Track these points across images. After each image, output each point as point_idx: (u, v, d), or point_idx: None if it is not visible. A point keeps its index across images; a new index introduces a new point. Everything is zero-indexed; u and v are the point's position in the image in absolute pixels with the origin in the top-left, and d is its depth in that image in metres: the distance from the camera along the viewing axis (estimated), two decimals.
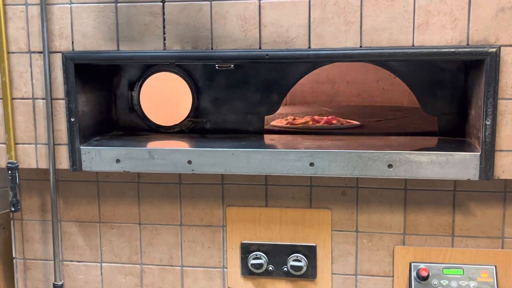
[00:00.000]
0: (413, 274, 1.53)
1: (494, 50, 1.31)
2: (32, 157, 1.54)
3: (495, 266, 1.50)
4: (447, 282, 1.51)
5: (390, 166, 1.38)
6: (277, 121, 1.86)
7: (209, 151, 1.44)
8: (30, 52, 1.49)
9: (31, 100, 1.52)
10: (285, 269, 1.59)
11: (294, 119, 1.87)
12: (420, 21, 1.34)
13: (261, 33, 1.40)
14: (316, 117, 1.87)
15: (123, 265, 1.68)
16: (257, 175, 1.57)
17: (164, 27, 1.44)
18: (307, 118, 1.85)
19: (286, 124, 1.81)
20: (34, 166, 1.54)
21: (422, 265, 1.52)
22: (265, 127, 1.70)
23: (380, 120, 1.97)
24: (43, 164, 1.54)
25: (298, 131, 1.74)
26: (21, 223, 1.71)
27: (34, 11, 1.47)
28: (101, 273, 1.70)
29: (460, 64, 1.54)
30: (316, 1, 1.37)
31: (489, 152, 1.34)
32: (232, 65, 1.49)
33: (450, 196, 1.51)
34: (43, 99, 1.51)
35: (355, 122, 1.84)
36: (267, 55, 1.40)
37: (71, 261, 1.71)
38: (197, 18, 1.42)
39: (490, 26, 1.31)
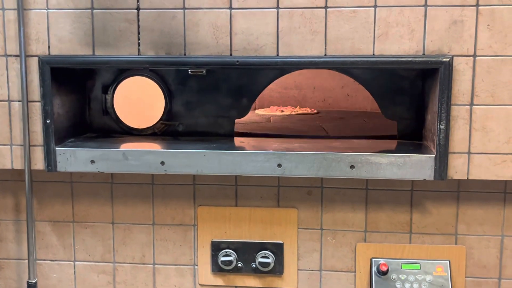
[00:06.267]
0: (374, 269, 1.62)
1: (448, 59, 1.41)
2: (7, 158, 1.58)
3: (449, 261, 1.61)
4: (405, 276, 1.61)
5: (352, 167, 1.46)
6: (265, 110, 2.46)
7: (181, 153, 1.51)
8: (6, 55, 1.53)
9: (7, 102, 1.56)
10: (254, 265, 1.66)
11: (282, 111, 2.43)
12: (380, 32, 1.43)
13: (232, 41, 1.47)
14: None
15: (96, 263, 1.73)
16: (228, 175, 1.64)
17: (138, 33, 1.50)
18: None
19: (276, 111, 2.41)
20: (9, 166, 1.58)
21: (382, 261, 1.62)
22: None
23: (364, 120, 2.09)
24: (18, 165, 1.57)
25: (267, 134, 1.82)
26: None
27: (11, 15, 1.51)
28: (74, 272, 1.74)
29: (418, 72, 1.64)
30: (284, 11, 1.45)
31: (443, 154, 1.44)
32: (204, 71, 1.56)
33: (408, 195, 1.62)
34: (19, 101, 1.55)
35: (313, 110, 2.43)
36: (237, 61, 1.47)
37: (44, 260, 1.74)
38: (171, 25, 1.48)
39: (444, 37, 1.42)
